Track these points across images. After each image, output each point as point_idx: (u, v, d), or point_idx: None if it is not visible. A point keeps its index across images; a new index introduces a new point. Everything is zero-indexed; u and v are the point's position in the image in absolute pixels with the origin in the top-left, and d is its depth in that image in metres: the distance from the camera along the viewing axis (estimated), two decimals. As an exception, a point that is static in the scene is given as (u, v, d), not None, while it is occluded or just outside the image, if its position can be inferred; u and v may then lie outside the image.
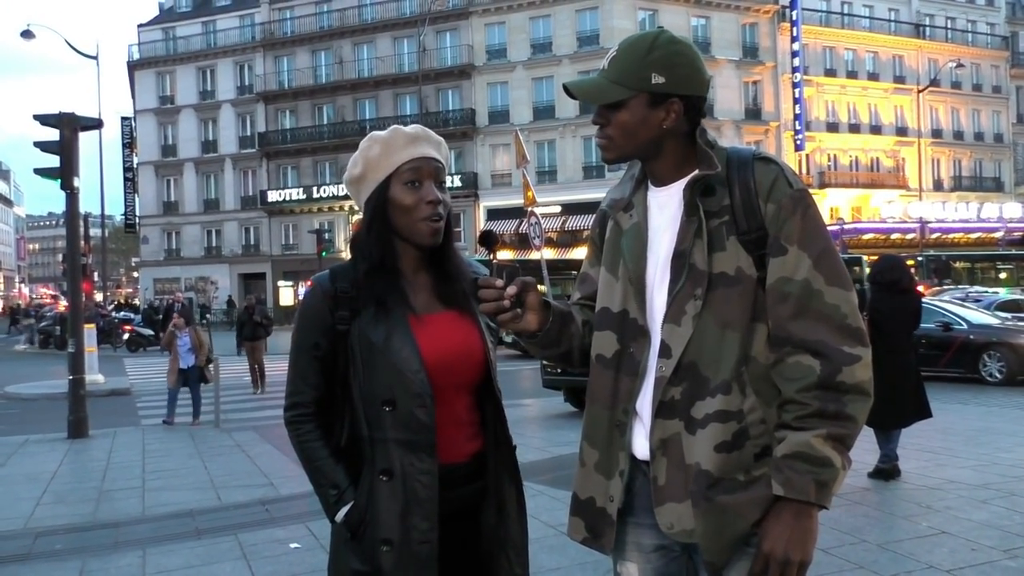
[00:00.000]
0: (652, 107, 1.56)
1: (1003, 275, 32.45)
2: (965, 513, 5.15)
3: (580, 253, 33.87)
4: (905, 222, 37.88)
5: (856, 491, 5.75)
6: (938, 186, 44.30)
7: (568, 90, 1.65)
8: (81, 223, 12.70)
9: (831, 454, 1.45)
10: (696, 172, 1.57)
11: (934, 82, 41.30)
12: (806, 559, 1.47)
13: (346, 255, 1.97)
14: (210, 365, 10.77)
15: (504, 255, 31.85)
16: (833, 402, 1.46)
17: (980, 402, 10.39)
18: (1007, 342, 12.26)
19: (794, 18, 39.38)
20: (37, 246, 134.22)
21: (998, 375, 12.22)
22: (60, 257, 26.46)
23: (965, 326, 12.77)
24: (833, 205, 40.66)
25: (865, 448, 6.46)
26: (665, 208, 1.63)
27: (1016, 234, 38.68)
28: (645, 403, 1.59)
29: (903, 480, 6.10)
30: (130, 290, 70.41)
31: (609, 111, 1.59)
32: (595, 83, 1.60)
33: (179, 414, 10.61)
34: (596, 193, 34.24)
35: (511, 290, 1.56)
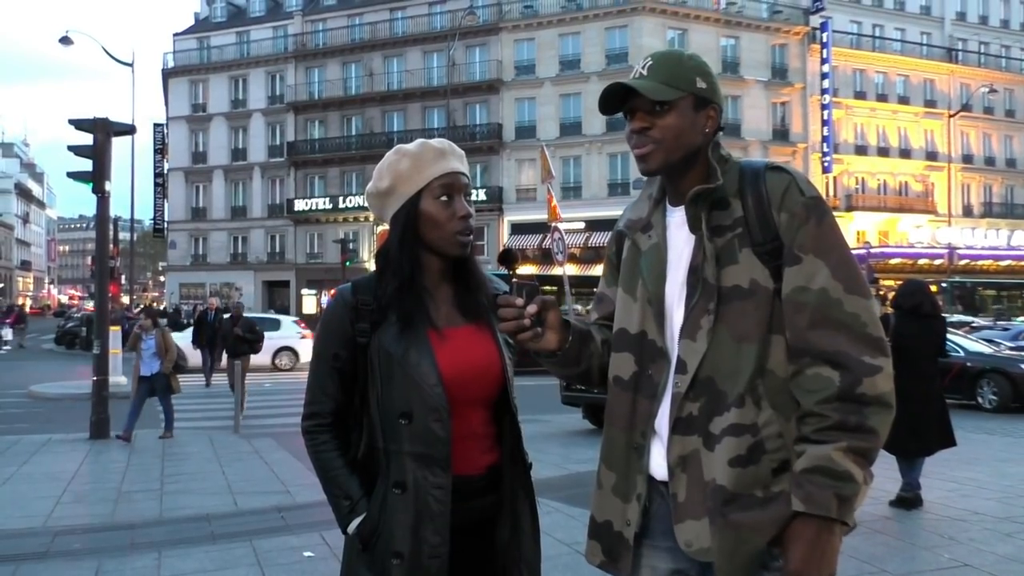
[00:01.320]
0: (696, 111, 1.58)
1: None
2: (989, 546, 5.04)
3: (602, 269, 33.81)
4: (933, 247, 37.44)
5: (877, 519, 5.66)
6: (968, 212, 43.73)
7: (604, 100, 1.60)
8: (111, 227, 12.88)
9: (852, 468, 1.41)
10: (697, 188, 1.56)
11: (966, 107, 40.87)
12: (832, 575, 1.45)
13: (370, 265, 1.97)
14: (178, 374, 9.78)
15: (527, 270, 31.88)
16: (854, 414, 1.43)
17: (1006, 432, 10.20)
18: (1001, 370, 12.52)
19: (824, 40, 39.18)
20: (67, 248, 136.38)
21: (992, 402, 12.52)
22: (89, 259, 26.85)
23: (962, 353, 12.83)
24: (860, 229, 40.27)
25: (887, 476, 6.36)
26: (683, 226, 1.61)
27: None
28: (663, 421, 1.57)
29: (925, 510, 6.00)
30: (155, 294, 71.23)
31: (653, 115, 1.57)
32: (649, 83, 1.57)
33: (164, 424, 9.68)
34: (620, 210, 33.55)
35: (531, 309, 1.55)
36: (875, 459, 1.46)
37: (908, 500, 6.05)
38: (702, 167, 1.60)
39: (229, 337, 12.39)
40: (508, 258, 1.76)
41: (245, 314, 13.77)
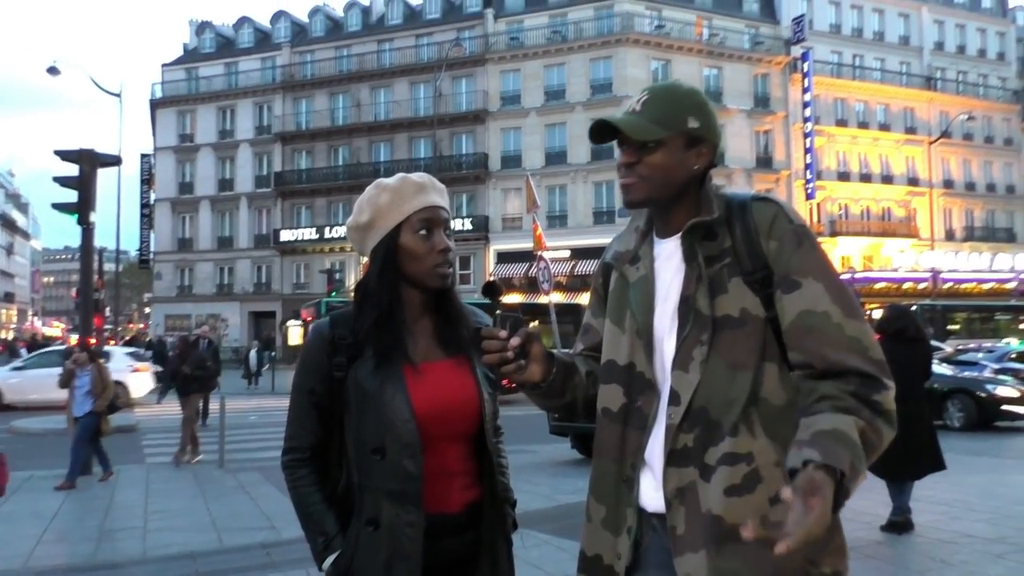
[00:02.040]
0: (686, 150, 1.58)
1: (1001, 326, 32.16)
2: (981, 568, 5.03)
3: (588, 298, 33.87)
4: (917, 272, 37.78)
5: (869, 544, 5.64)
6: (950, 236, 44.24)
7: (595, 131, 1.62)
8: (96, 258, 12.82)
9: (859, 449, 1.32)
10: (694, 220, 1.57)
11: (945, 134, 41.49)
12: (814, 536, 1.19)
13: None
14: (113, 414, 8.97)
15: (512, 299, 31.87)
16: (868, 408, 1.39)
17: (994, 454, 10.23)
18: (966, 390, 12.96)
19: (806, 70, 39.79)
20: (52, 279, 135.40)
21: (959, 420, 12.92)
22: (74, 291, 26.64)
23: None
24: (845, 254, 40.63)
25: (878, 500, 6.35)
26: (672, 258, 1.62)
27: (1030, 286, 38.48)
28: (655, 453, 1.56)
29: (917, 533, 5.98)
30: (140, 325, 70.63)
31: (642, 152, 1.58)
32: (637, 121, 1.59)
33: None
34: (606, 238, 33.67)
35: (515, 341, 1.55)
36: (867, 468, 1.36)
37: (899, 524, 6.04)
38: (690, 200, 1.61)
39: (177, 374, 11.12)
40: (492, 290, 1.75)
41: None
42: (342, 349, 1.74)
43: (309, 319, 27.29)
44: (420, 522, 1.66)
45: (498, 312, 1.59)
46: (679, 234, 1.61)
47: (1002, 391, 12.91)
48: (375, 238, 1.79)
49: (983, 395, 12.90)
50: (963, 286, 38.20)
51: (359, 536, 1.68)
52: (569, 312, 22.09)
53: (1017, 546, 5.54)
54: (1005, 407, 12.75)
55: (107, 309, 29.68)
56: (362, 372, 1.72)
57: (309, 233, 41.98)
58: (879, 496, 6.40)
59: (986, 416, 12.79)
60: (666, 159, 1.57)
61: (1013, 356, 18.24)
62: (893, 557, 5.42)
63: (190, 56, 48.74)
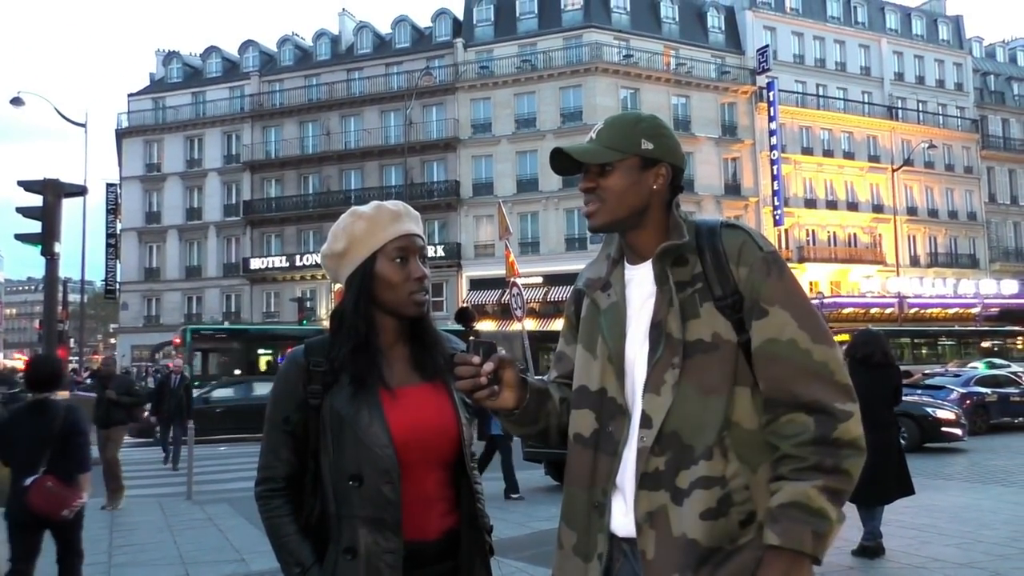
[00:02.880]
0: (642, 170, 1.62)
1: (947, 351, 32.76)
2: (951, 593, 5.06)
3: (561, 324, 33.99)
4: (884, 296, 38.39)
5: (841, 569, 5.65)
6: (915, 262, 45.06)
7: (556, 158, 1.67)
8: (60, 288, 12.61)
9: (827, 507, 1.44)
10: (665, 244, 1.60)
11: (908, 162, 42.44)
12: None
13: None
14: None
15: (486, 326, 31.83)
16: (830, 456, 1.46)
17: (964, 478, 10.34)
18: (909, 414, 13.10)
19: (771, 99, 40.55)
20: (15, 311, 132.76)
21: (904, 441, 13.01)
22: (37, 322, 26.16)
23: None
24: (812, 279, 41.19)
25: (849, 524, 6.37)
26: (643, 284, 1.64)
27: (992, 310, 39.29)
28: (627, 477, 1.56)
29: (888, 558, 6.01)
30: (105, 355, 69.37)
31: (600, 176, 1.63)
32: (589, 147, 1.65)
33: None
34: (578, 264, 34.35)
35: (488, 367, 1.55)
36: (846, 501, 1.49)
37: (871, 549, 6.07)
38: (657, 225, 1.64)
39: (100, 402, 9.70)
40: (464, 316, 1.76)
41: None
42: (317, 377, 1.73)
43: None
44: (399, 549, 1.65)
45: (471, 338, 1.59)
46: (650, 260, 1.63)
47: (941, 414, 13.59)
48: (350, 266, 1.79)
49: (925, 418, 13.41)
50: (928, 311, 38.87)
51: (336, 565, 1.66)
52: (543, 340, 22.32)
53: (986, 571, 5.59)
54: (944, 429, 13.41)
55: (71, 340, 29.15)
56: (338, 399, 1.71)
57: (279, 261, 41.68)
58: (850, 520, 6.42)
59: (927, 437, 13.30)
60: (622, 181, 1.61)
61: (978, 379, 18.54)
62: (865, 581, 5.43)
63: (157, 86, 48.47)
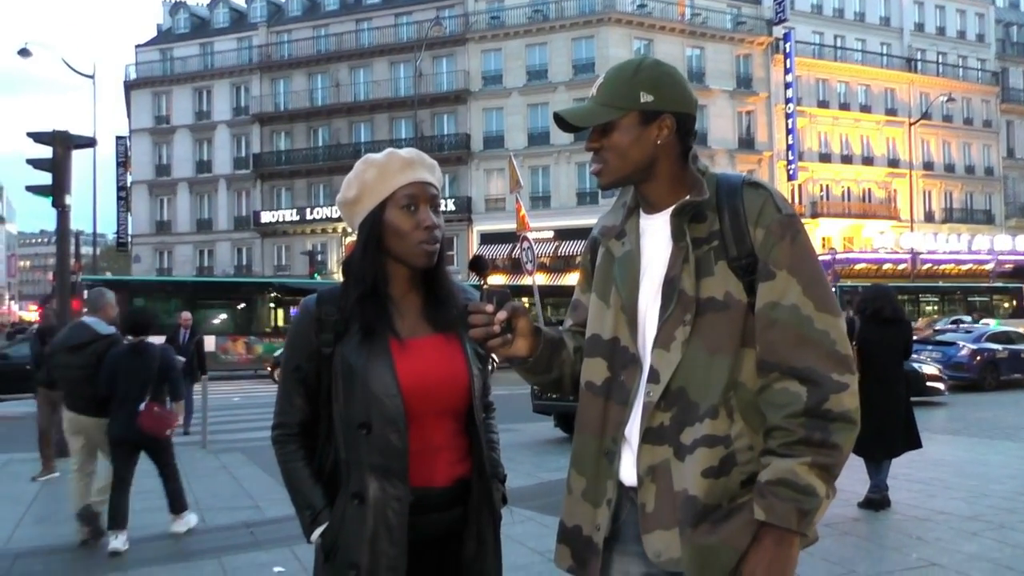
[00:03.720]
0: (644, 125, 1.58)
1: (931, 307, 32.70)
2: (955, 545, 5.12)
3: (573, 278, 34.01)
4: (897, 253, 38.13)
5: (846, 521, 5.72)
6: (929, 218, 44.64)
7: (560, 119, 1.64)
8: (72, 241, 12.66)
9: (815, 482, 1.44)
10: (684, 199, 1.58)
11: (925, 115, 41.76)
12: None
13: (338, 276, 1.97)
14: None
15: (496, 280, 31.85)
16: (819, 430, 1.45)
17: (971, 433, 10.38)
18: None
19: (787, 50, 39.81)
20: (28, 263, 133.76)
21: None
22: (51, 275, 26.36)
23: None
24: (825, 235, 40.92)
25: (855, 478, 6.44)
26: (657, 235, 1.62)
27: (1007, 266, 38.97)
28: (634, 430, 1.57)
29: (893, 511, 6.07)
30: (46, 302, 69.82)
31: (602, 135, 1.60)
32: (585, 108, 1.62)
33: None
34: (589, 219, 34.30)
35: (501, 315, 1.55)
36: (838, 474, 1.49)
37: (876, 502, 6.13)
38: (669, 178, 1.61)
39: (41, 360, 8.16)
40: (479, 265, 1.75)
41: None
42: (328, 326, 1.74)
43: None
44: (406, 496, 1.67)
45: (485, 287, 1.59)
46: (665, 211, 1.61)
47: (927, 369, 14.08)
48: (362, 213, 1.79)
49: (912, 373, 13.56)
50: (942, 267, 38.61)
51: (345, 510, 1.69)
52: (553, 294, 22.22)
53: (991, 524, 5.64)
54: (929, 383, 13.81)
55: (85, 292, 29.41)
56: (348, 348, 1.72)
57: (290, 215, 41.67)
58: (857, 474, 6.49)
59: (914, 391, 13.61)
60: (623, 138, 1.58)
61: (990, 336, 18.51)
62: (870, 533, 5.50)
63: (164, 37, 47.99)
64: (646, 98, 1.56)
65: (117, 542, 5.33)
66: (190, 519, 5.94)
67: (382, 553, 1.65)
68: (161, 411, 5.54)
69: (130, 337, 5.69)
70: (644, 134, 1.58)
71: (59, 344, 6.02)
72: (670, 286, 1.55)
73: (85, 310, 6.21)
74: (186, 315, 12.15)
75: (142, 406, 5.40)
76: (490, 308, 1.55)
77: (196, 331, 11.97)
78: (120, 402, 5.42)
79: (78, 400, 5.70)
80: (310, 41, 43.69)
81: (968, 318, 26.84)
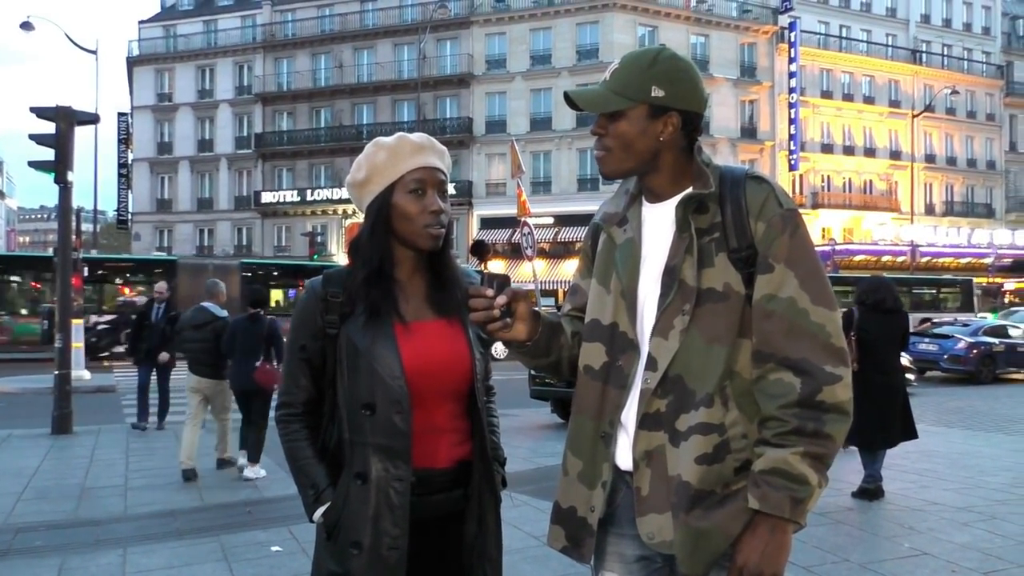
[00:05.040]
0: (651, 119, 1.58)
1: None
2: (947, 535, 5.17)
3: (572, 265, 34.01)
4: (896, 245, 38.11)
5: (840, 510, 5.77)
6: (930, 210, 44.59)
7: (569, 98, 1.65)
8: (73, 218, 12.62)
9: (808, 472, 1.47)
10: (690, 190, 1.59)
11: (929, 107, 41.63)
12: (777, 573, 1.48)
13: (338, 259, 1.98)
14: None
15: (495, 265, 31.85)
16: (812, 420, 1.48)
17: (966, 425, 10.44)
18: None
19: (792, 40, 39.64)
20: (28, 239, 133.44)
21: None
22: (51, 251, 26.33)
23: None
24: (825, 226, 40.87)
25: (849, 468, 6.50)
26: (659, 223, 1.64)
27: (1005, 260, 38.97)
28: (631, 415, 1.60)
29: (887, 501, 6.13)
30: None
31: (609, 121, 1.61)
32: (596, 92, 1.62)
33: None
34: (590, 205, 34.23)
35: (501, 299, 1.58)
36: (831, 464, 1.51)
37: (870, 491, 6.18)
38: (672, 170, 1.63)
39: (167, 336, 9.48)
40: (480, 250, 1.77)
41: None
42: (334, 307, 1.77)
43: None
44: (408, 477, 1.70)
45: (485, 272, 1.61)
46: (668, 201, 1.63)
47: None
48: (370, 196, 1.81)
49: None
50: (941, 260, 38.61)
51: (348, 489, 1.72)
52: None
53: (983, 515, 5.69)
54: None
55: (85, 269, 29.46)
56: (353, 329, 1.74)
57: (291, 195, 41.58)
58: (851, 464, 6.54)
59: None
60: (630, 129, 1.58)
61: (987, 329, 18.57)
62: (863, 523, 5.55)
63: (168, 13, 47.69)
64: (657, 92, 1.57)
65: (251, 472, 6.93)
66: (260, 471, 7.01)
67: (384, 532, 1.68)
68: (272, 368, 6.95)
69: (249, 309, 7.27)
70: (650, 128, 1.59)
71: (185, 323, 7.63)
72: (670, 275, 1.57)
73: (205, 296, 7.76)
74: (161, 285, 10.27)
75: (257, 363, 6.94)
76: (490, 292, 1.57)
77: (172, 306, 10.27)
78: (238, 360, 7.02)
79: (199, 366, 7.34)
80: (314, 21, 43.44)
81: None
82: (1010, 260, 39.23)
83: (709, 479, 1.51)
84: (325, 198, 40.10)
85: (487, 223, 37.84)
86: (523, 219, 13.67)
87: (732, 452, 1.52)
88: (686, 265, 1.56)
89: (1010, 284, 32.51)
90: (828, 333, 1.51)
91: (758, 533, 1.48)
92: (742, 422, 1.53)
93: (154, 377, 10.06)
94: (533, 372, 10.21)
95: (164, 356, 9.79)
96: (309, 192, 40.98)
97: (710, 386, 1.52)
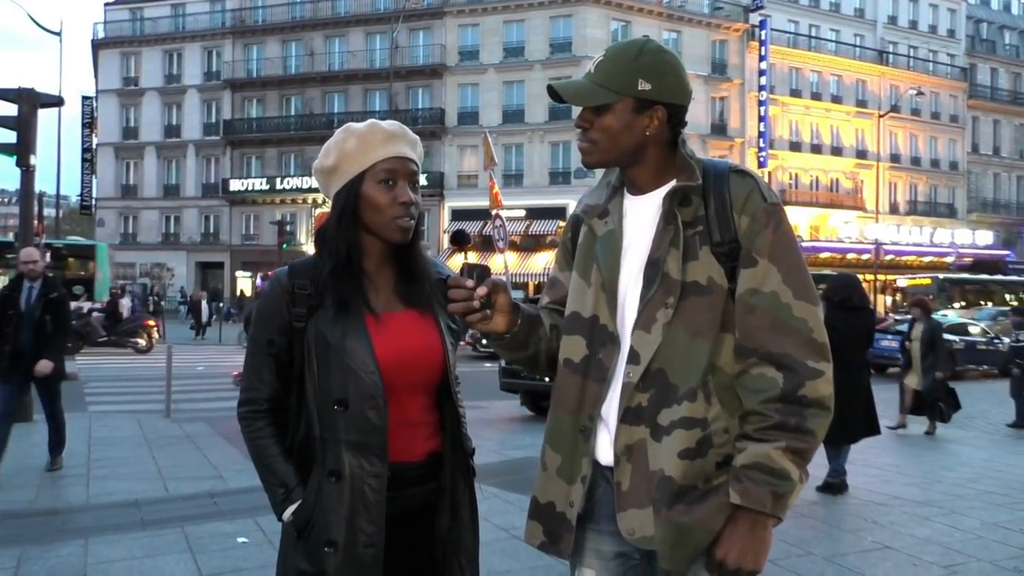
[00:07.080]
0: (637, 113, 1.57)
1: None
2: (908, 529, 5.27)
3: (543, 258, 34.04)
4: (861, 243, 38.70)
5: (804, 504, 5.84)
6: (894, 209, 45.31)
7: (553, 90, 1.63)
8: (36, 202, 12.36)
9: (789, 467, 1.47)
10: (676, 182, 1.58)
11: (895, 108, 42.24)
12: (757, 568, 1.49)
13: (307, 248, 1.94)
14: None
15: (463, 258, 31.70)
16: (794, 415, 1.48)
17: (925, 421, 10.63)
18: None
19: (763, 38, 39.97)
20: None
21: None
22: (11, 235, 25.64)
23: None
24: (793, 223, 40.90)
25: (815, 462, 6.55)
26: (641, 216, 1.63)
27: (966, 259, 39.77)
28: (611, 409, 1.59)
29: (850, 495, 6.22)
30: (81, 273, 68.52)
31: (594, 115, 1.59)
32: (582, 85, 1.60)
33: None
34: (562, 199, 34.33)
35: (481, 291, 1.55)
36: (811, 459, 1.52)
37: (834, 486, 6.27)
38: (656, 162, 1.62)
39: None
40: (460, 239, 1.75)
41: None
42: (302, 300, 1.71)
43: None
44: (384, 473, 1.66)
45: (465, 262, 1.59)
46: (651, 194, 1.62)
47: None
48: (338, 183, 1.76)
49: None
50: (904, 258, 39.29)
51: (321, 487, 1.67)
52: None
53: (943, 509, 5.80)
54: None
55: (47, 255, 28.88)
56: (323, 322, 1.69)
57: (259, 184, 41.10)
58: (816, 458, 6.62)
59: None
60: (615, 123, 1.57)
61: (947, 328, 18.92)
62: (827, 517, 5.63)
63: (135, -5, 46.78)
64: (644, 86, 1.55)
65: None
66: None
67: (360, 530, 1.64)
68: None
69: None
70: (636, 122, 1.57)
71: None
72: (653, 268, 1.56)
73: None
74: (29, 252, 6.92)
75: None
76: (470, 283, 1.55)
77: (53, 285, 6.82)
78: None
79: None
80: (285, 7, 42.87)
81: None
82: (970, 259, 40.03)
83: (692, 474, 1.50)
84: (295, 187, 39.69)
85: (459, 215, 37.70)
86: (495, 211, 13.65)
87: (714, 447, 1.51)
88: (671, 258, 1.55)
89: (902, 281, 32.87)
90: (811, 328, 1.51)
91: (739, 528, 1.48)
92: (724, 417, 1.53)
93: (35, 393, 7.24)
94: (504, 364, 10.21)
95: (45, 365, 6.56)
96: (278, 180, 40.54)
97: (693, 381, 1.52)
